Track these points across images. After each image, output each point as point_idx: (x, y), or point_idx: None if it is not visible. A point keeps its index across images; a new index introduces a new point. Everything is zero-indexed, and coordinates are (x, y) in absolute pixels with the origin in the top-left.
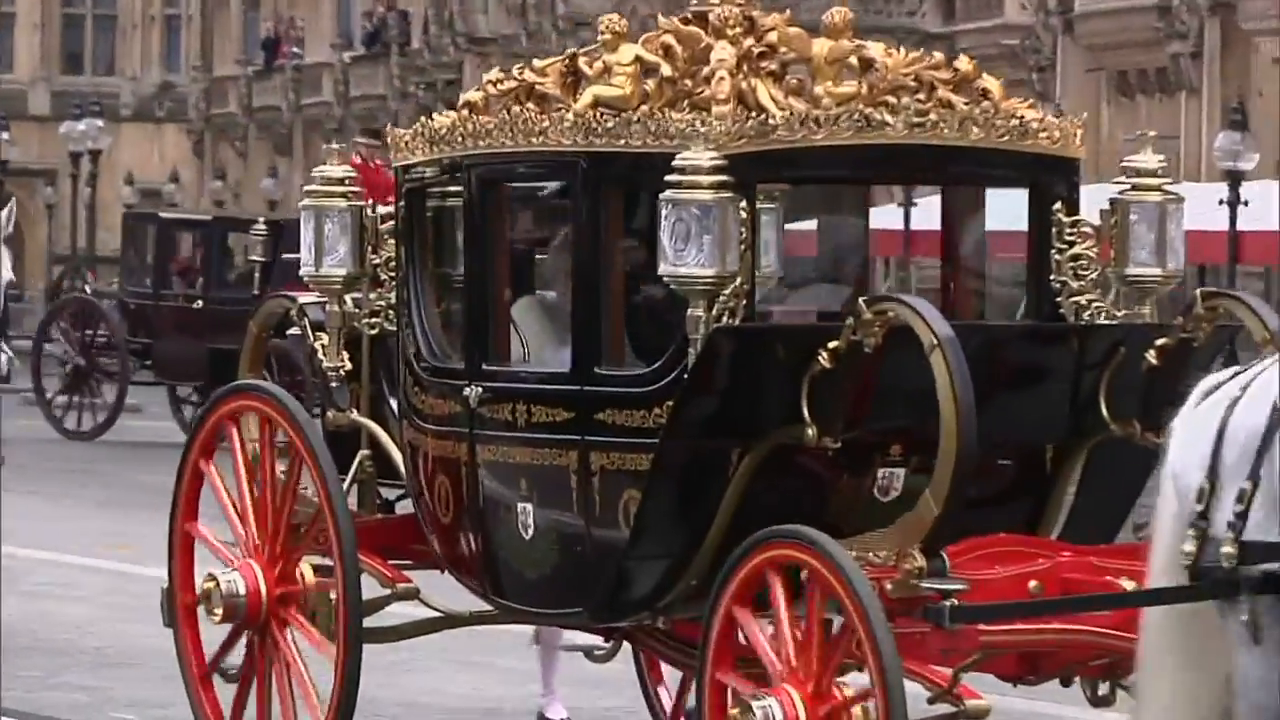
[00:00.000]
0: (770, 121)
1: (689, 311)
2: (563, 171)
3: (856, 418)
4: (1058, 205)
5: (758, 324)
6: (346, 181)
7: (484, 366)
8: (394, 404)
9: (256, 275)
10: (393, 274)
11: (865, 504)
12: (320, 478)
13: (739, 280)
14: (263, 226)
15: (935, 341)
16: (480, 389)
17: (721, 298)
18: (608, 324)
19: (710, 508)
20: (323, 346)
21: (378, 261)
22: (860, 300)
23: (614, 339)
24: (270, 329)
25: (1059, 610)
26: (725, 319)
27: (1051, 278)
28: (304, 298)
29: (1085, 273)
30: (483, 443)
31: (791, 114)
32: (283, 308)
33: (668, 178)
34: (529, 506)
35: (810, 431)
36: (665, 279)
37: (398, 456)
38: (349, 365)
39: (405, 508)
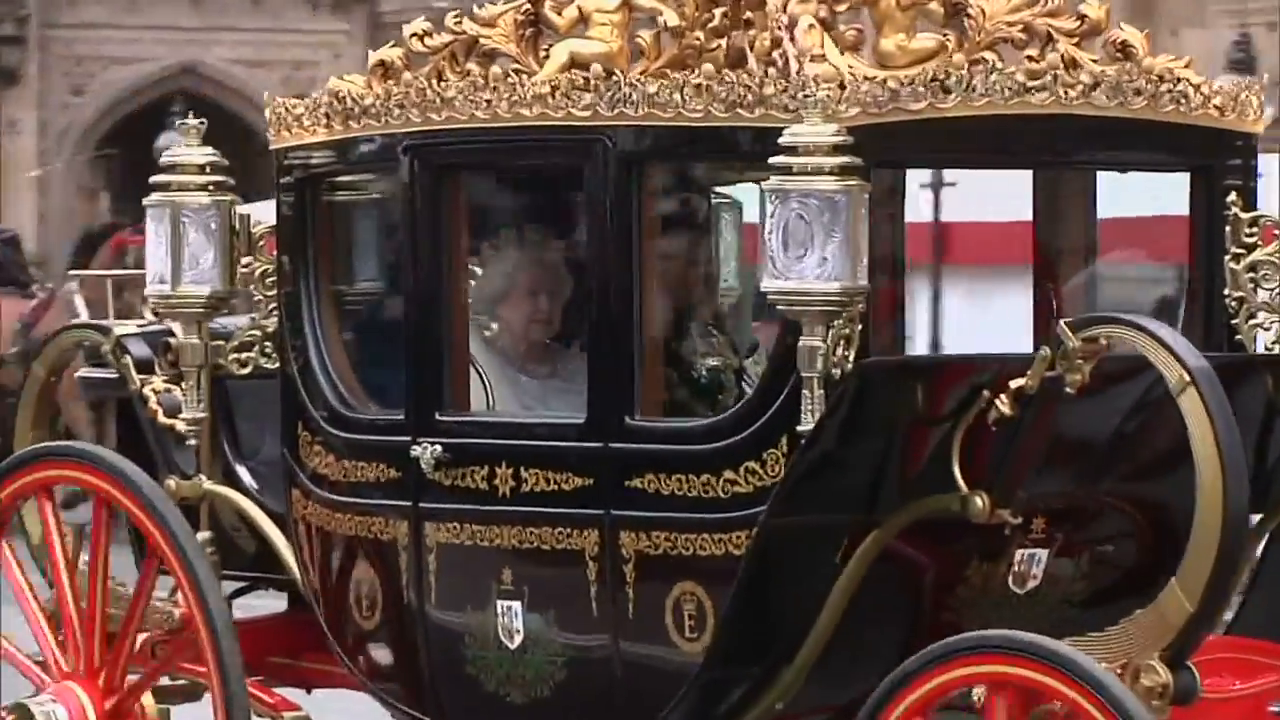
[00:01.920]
0: (890, 85)
1: (802, 341)
2: (574, 153)
3: (1023, 481)
4: (1233, 196)
5: (918, 357)
6: (210, 168)
7: (439, 417)
8: (244, 469)
9: None
10: (270, 293)
11: (995, 597)
12: (188, 575)
13: (860, 300)
14: None
15: (1187, 378)
16: (436, 448)
17: (837, 323)
18: (643, 359)
19: (813, 605)
20: (154, 393)
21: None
22: (1061, 323)
23: (651, 380)
24: (59, 371)
25: None
26: (840, 351)
27: (1226, 292)
28: (119, 328)
29: (1271, 285)
30: (437, 520)
31: (917, 77)
32: (84, 341)
33: (774, 160)
34: (516, 605)
35: (979, 501)
36: (770, 296)
37: (276, 539)
38: (206, 416)
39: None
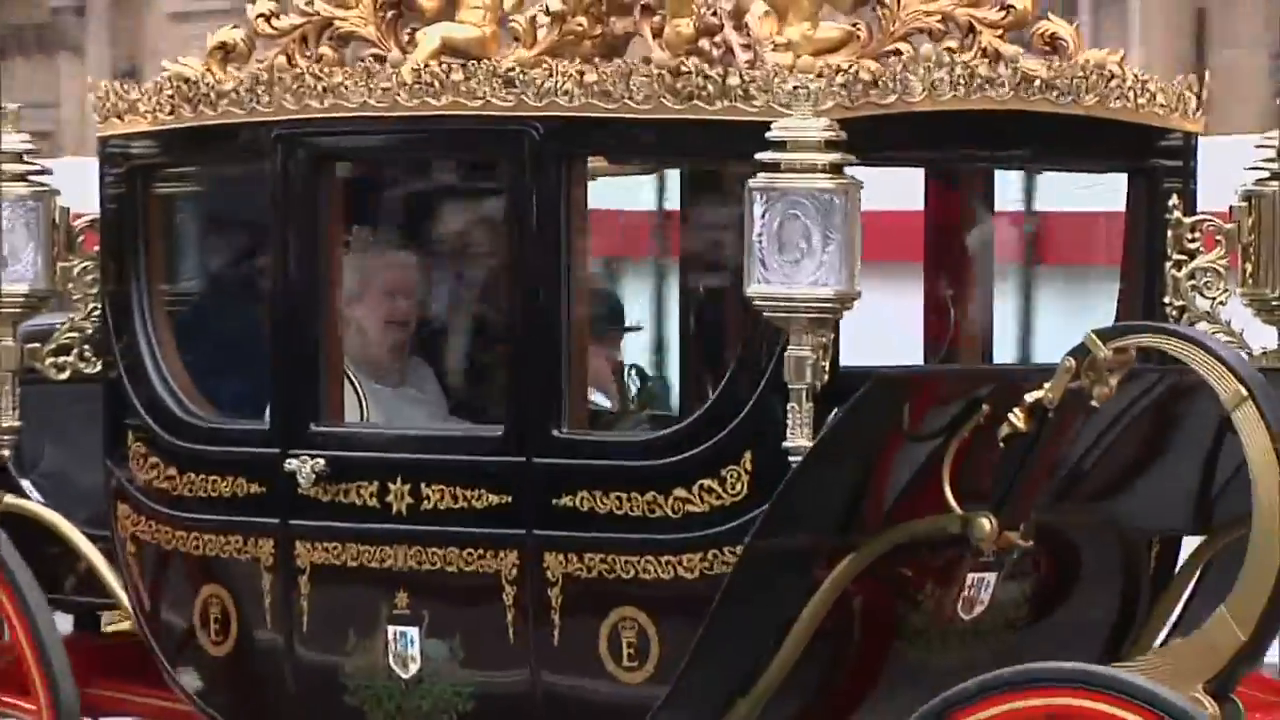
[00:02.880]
0: (862, 76)
1: (790, 352)
2: (491, 145)
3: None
4: (1174, 199)
5: (927, 368)
6: (26, 158)
7: (315, 428)
8: (28, 483)
9: None
10: (91, 291)
11: (944, 624)
12: (16, 602)
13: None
14: None
15: (1244, 392)
16: (316, 462)
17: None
18: (571, 367)
19: (776, 633)
20: None
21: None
22: (1090, 333)
23: (578, 390)
24: None
25: None
26: (820, 361)
27: (1166, 300)
28: None
29: (1212, 294)
30: (314, 539)
31: (879, 68)
32: None
33: (762, 155)
34: (411, 632)
35: (985, 523)
36: (756, 301)
37: (95, 558)
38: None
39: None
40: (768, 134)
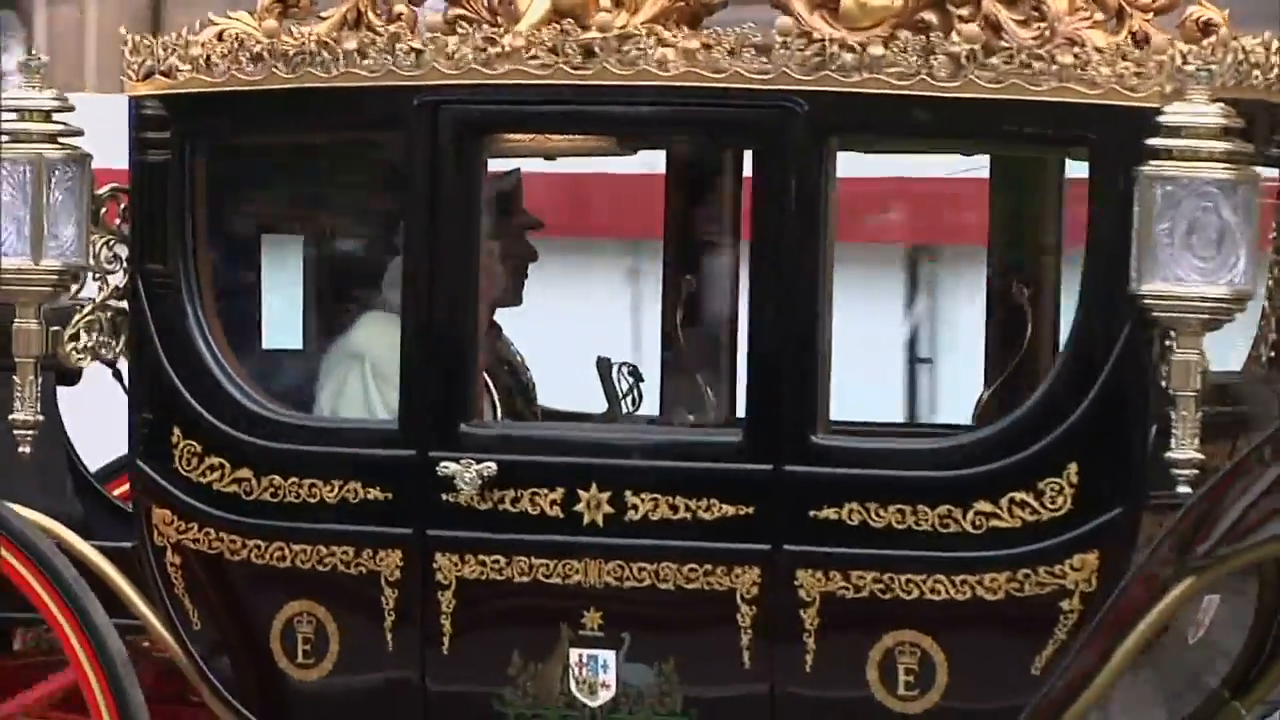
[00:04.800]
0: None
1: (1178, 356)
2: (737, 120)
3: None
4: None
5: None
6: (56, 116)
7: (467, 429)
8: None
9: None
10: (108, 268)
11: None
12: (75, 614)
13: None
14: None
15: None
16: (486, 466)
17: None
18: (827, 366)
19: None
20: None
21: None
22: None
23: (827, 392)
24: None
25: None
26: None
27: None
28: None
29: None
30: (464, 551)
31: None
32: None
33: (1154, 142)
34: (606, 655)
35: None
36: (1146, 300)
37: (109, 570)
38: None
39: None
40: (1161, 119)
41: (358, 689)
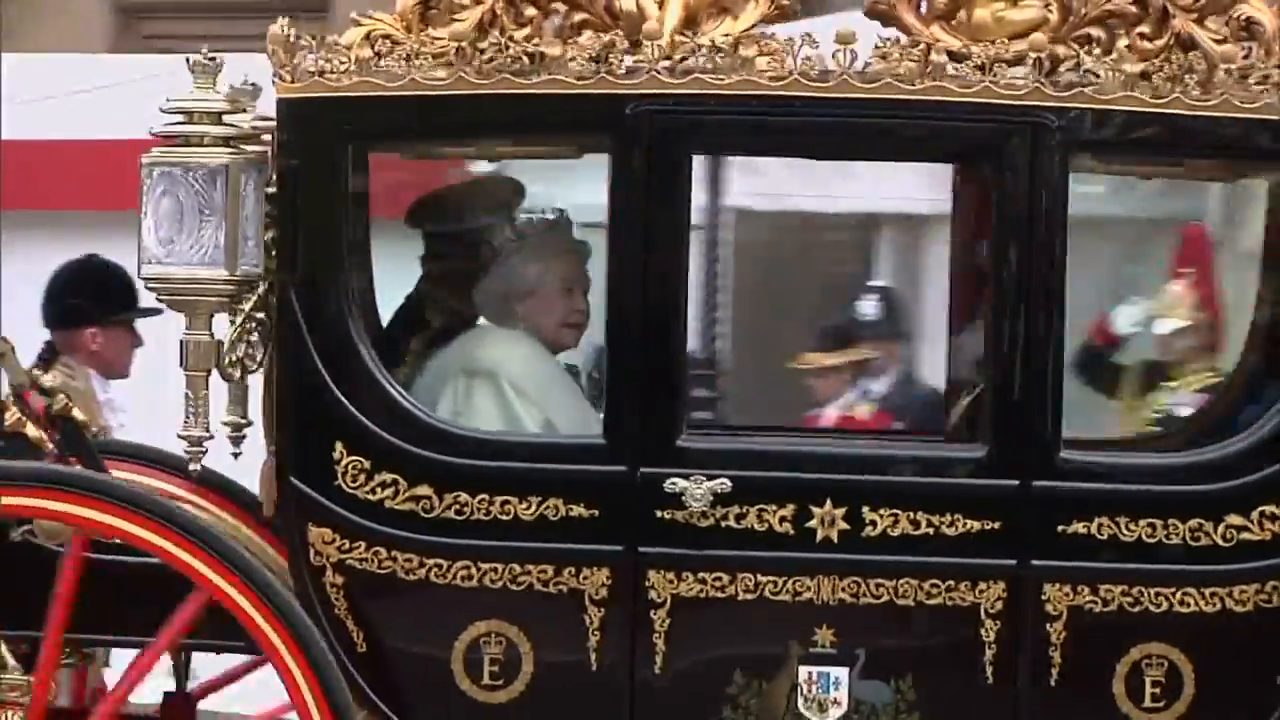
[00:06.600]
0: None
1: None
2: (989, 136)
3: None
4: None
5: None
6: (227, 119)
7: (686, 444)
8: None
9: None
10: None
11: None
12: (274, 606)
13: None
14: None
15: None
16: (720, 482)
17: None
18: (1062, 383)
19: None
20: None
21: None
22: None
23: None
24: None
25: None
26: None
27: None
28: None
29: None
30: (687, 569)
31: None
32: None
33: None
34: (839, 673)
35: None
36: None
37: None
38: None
39: None
40: None
41: (554, 710)
